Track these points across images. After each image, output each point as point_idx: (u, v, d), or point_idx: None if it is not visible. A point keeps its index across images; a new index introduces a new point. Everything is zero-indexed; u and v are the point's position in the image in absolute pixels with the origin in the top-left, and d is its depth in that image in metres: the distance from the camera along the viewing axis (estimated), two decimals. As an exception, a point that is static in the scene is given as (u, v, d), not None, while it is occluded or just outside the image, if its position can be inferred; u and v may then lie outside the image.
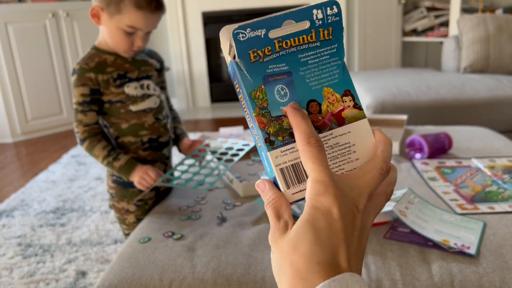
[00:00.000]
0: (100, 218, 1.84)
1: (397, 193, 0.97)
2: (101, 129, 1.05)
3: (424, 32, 3.51)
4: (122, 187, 1.10)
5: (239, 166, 1.30)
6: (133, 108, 1.05)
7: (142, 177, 1.02)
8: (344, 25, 3.66)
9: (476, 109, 2.11)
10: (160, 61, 1.15)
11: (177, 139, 1.19)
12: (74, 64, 1.02)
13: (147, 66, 1.09)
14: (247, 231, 0.92)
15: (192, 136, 1.72)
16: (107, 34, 1.01)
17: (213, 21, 3.72)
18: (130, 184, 1.09)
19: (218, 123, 3.36)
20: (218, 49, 3.93)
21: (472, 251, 0.80)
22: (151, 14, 0.97)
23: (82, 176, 2.36)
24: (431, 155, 1.30)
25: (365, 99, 2.19)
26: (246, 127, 3.06)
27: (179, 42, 3.73)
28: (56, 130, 3.32)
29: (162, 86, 1.16)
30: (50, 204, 2.02)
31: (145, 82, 1.06)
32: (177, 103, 3.87)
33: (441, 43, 3.24)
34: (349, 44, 3.75)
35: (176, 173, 1.11)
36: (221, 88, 3.96)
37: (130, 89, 1.04)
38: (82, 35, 3.31)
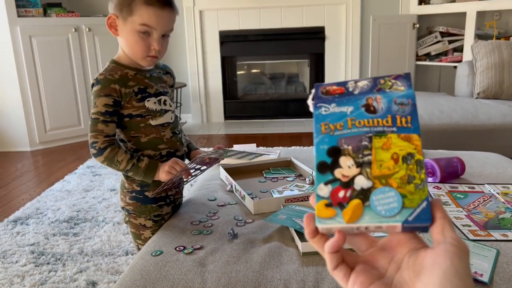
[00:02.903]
0: (113, 229, 1.87)
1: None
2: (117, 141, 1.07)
3: (438, 56, 3.52)
4: (141, 204, 1.11)
5: (249, 183, 1.31)
6: (153, 122, 1.06)
7: (172, 166, 1.02)
8: (357, 47, 3.72)
9: (489, 134, 2.10)
10: (173, 77, 1.18)
11: (188, 150, 1.20)
12: (97, 75, 1.02)
13: (163, 83, 1.12)
14: (258, 249, 0.93)
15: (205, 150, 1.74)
16: (124, 42, 1.02)
17: (230, 40, 3.80)
18: (149, 200, 1.11)
19: (231, 139, 3.40)
20: (234, 67, 4.01)
21: (485, 278, 0.80)
22: (161, 10, 0.97)
23: (96, 186, 2.40)
24: (443, 179, 1.29)
25: (378, 121, 2.20)
26: (259, 144, 3.09)
27: (196, 59, 3.82)
28: (73, 140, 3.40)
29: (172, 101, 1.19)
30: (64, 214, 2.05)
31: (162, 97, 1.09)
32: (192, 118, 3.94)
33: (454, 67, 3.25)
34: (362, 66, 3.78)
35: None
36: (235, 105, 4.02)
37: (150, 103, 1.06)
38: (102, 49, 3.42)
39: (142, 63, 1.04)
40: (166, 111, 1.09)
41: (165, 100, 1.09)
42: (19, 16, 3.05)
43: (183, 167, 1.03)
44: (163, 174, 1.03)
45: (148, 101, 1.05)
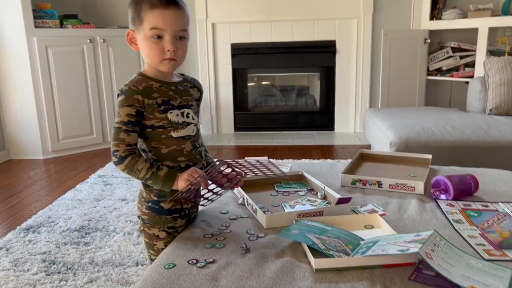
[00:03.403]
0: (123, 239, 1.88)
1: (423, 234, 0.97)
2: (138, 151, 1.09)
3: (449, 71, 3.52)
4: (156, 214, 1.13)
5: (261, 197, 1.32)
6: (174, 134, 1.08)
7: (191, 175, 1.04)
8: (368, 61, 3.74)
9: (502, 151, 2.08)
10: (201, 91, 1.20)
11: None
12: (122, 86, 1.06)
13: (188, 96, 1.14)
14: (271, 264, 0.93)
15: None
16: (142, 52, 1.05)
17: (242, 53, 3.85)
18: (164, 211, 1.12)
19: (240, 151, 3.41)
20: (245, 79, 4.05)
21: (500, 300, 0.79)
22: (165, 9, 1.00)
23: (108, 196, 2.42)
24: (456, 197, 1.29)
25: (389, 136, 2.20)
26: (270, 156, 3.10)
27: (208, 71, 3.87)
28: (86, 150, 3.45)
29: (196, 115, 1.21)
30: (75, 223, 2.07)
31: (185, 110, 1.11)
32: (202, 129, 3.97)
33: (466, 82, 3.24)
34: (373, 80, 3.79)
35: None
36: (245, 117, 4.05)
37: (173, 115, 1.08)
38: (116, 60, 3.48)
39: (161, 68, 1.06)
40: (188, 123, 1.11)
41: (188, 113, 1.11)
42: (36, 27, 3.13)
43: (202, 175, 1.05)
44: (182, 182, 1.05)
45: (170, 113, 1.07)
